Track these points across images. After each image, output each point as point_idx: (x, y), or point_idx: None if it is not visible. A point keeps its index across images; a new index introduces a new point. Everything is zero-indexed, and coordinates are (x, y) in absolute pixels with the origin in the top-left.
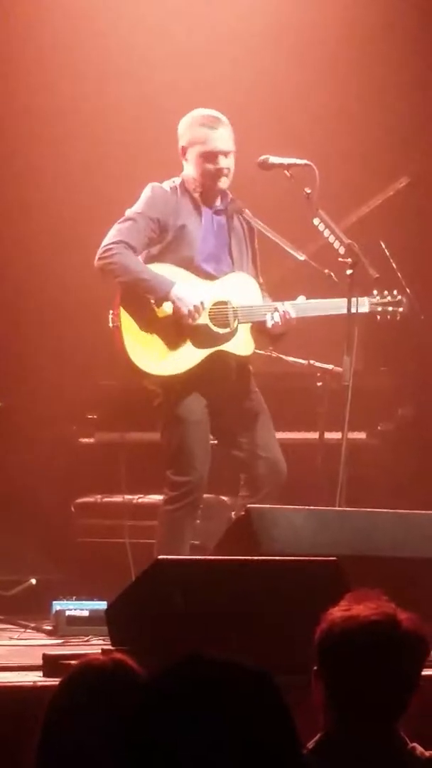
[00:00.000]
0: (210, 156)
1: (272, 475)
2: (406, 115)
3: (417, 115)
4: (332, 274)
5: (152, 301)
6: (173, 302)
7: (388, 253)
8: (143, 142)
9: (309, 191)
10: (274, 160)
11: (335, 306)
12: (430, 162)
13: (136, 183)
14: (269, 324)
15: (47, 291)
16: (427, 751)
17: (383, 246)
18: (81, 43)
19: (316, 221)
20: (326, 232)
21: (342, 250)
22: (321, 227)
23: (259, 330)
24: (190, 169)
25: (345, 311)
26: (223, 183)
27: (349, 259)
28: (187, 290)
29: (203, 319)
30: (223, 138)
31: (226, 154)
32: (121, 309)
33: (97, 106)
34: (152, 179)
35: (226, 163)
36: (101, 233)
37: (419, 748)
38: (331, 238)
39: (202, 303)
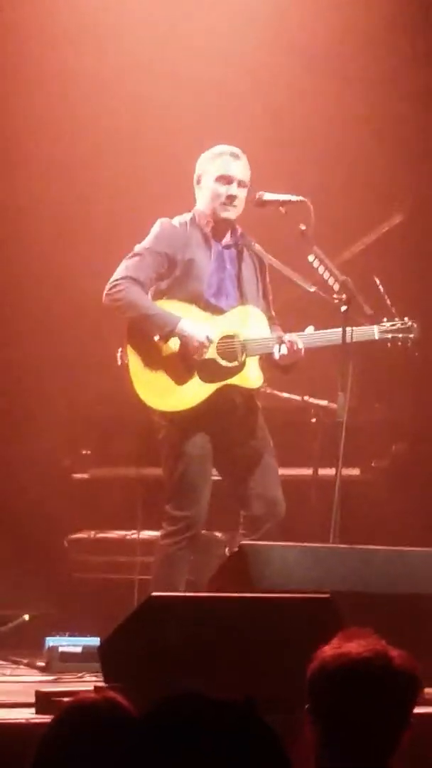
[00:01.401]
0: (224, 179)
1: (270, 516)
2: (401, 151)
3: (411, 152)
4: (338, 304)
5: (156, 338)
6: (180, 337)
7: (382, 289)
8: (152, 177)
9: (304, 228)
10: (268, 196)
11: (337, 336)
12: (423, 199)
13: (144, 219)
14: (276, 356)
15: (43, 326)
16: None
17: (377, 282)
18: (85, 65)
19: (311, 258)
20: (321, 269)
21: (337, 287)
22: (316, 264)
23: (269, 362)
24: (202, 202)
25: (352, 341)
26: (230, 212)
27: (344, 296)
28: (193, 325)
29: (211, 354)
30: (239, 168)
31: (239, 183)
32: (128, 346)
33: (106, 135)
34: (161, 210)
35: (238, 192)
36: (105, 269)
37: None
38: (326, 275)
39: (207, 338)
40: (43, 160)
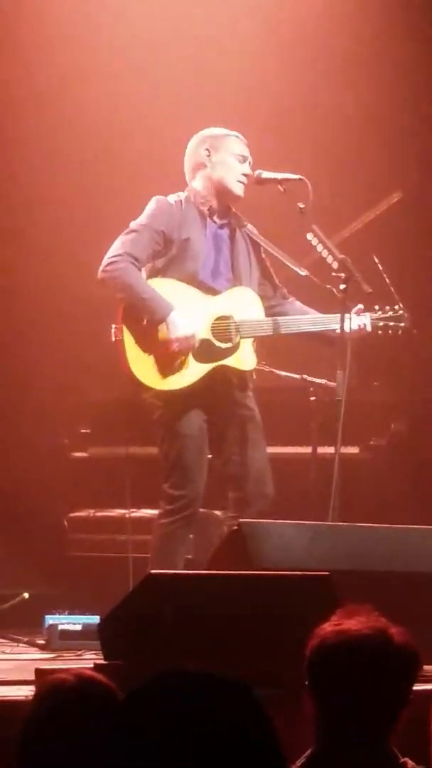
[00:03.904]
0: (241, 158)
1: (259, 496)
2: (399, 130)
3: (410, 130)
4: (334, 289)
5: (144, 322)
6: (166, 325)
7: (381, 268)
8: (147, 155)
9: (302, 206)
10: (267, 174)
11: (334, 321)
12: (422, 177)
13: (139, 197)
14: (348, 329)
15: (40, 305)
16: (419, 766)
17: (376, 260)
18: (82, 55)
19: (309, 236)
20: (319, 247)
21: (335, 265)
22: (314, 242)
23: (319, 336)
24: (200, 182)
25: (343, 327)
26: (242, 191)
27: (343, 274)
28: (183, 320)
29: (206, 334)
30: (247, 150)
31: (250, 163)
32: (124, 323)
33: (101, 119)
34: (157, 192)
35: (248, 170)
36: (99, 249)
37: (411, 763)
38: (325, 253)
39: (193, 335)
40: (38, 146)
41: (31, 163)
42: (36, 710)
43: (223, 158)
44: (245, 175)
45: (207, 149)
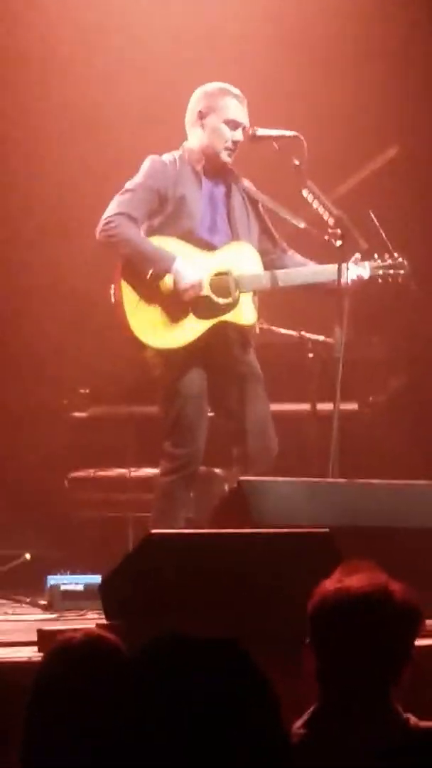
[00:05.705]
0: (232, 124)
1: (263, 451)
2: (396, 85)
3: (407, 86)
4: (332, 240)
5: (150, 273)
6: (174, 276)
7: (377, 224)
8: (141, 119)
9: (298, 162)
10: (262, 132)
11: (333, 272)
12: (419, 132)
13: (132, 161)
14: (348, 281)
15: (38, 266)
16: (422, 722)
17: (372, 216)
18: (80, 26)
19: (305, 193)
20: (315, 204)
21: (331, 222)
22: (310, 198)
23: (320, 289)
24: (195, 140)
25: (343, 278)
26: (231, 157)
27: (339, 231)
28: (188, 266)
29: (205, 290)
30: (245, 114)
31: (243, 128)
32: (123, 282)
33: (96, 82)
34: (150, 154)
35: (239, 137)
36: (97, 210)
37: (413, 719)
38: (321, 210)
39: (200, 282)
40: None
41: (23, 131)
42: (46, 669)
43: (214, 124)
44: (235, 142)
45: (201, 110)
